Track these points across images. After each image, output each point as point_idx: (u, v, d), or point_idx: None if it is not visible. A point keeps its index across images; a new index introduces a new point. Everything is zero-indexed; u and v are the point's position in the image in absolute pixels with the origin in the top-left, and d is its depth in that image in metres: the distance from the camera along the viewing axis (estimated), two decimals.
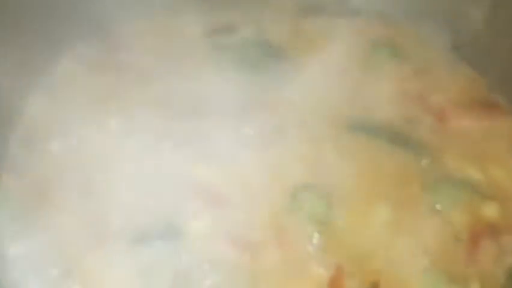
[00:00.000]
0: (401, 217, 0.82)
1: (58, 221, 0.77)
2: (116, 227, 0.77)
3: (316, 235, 0.79)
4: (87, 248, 0.75)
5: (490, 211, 0.84)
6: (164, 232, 0.77)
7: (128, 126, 0.85)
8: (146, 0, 0.97)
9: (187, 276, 0.75)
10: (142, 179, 0.81)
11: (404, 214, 0.82)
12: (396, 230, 0.81)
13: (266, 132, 0.86)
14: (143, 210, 0.78)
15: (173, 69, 0.91)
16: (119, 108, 0.86)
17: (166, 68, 0.92)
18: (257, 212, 0.79)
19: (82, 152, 0.83)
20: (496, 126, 0.93)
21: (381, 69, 0.97)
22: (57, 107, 0.87)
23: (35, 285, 0.73)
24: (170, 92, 0.89)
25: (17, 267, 0.74)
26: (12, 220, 0.78)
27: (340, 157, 0.86)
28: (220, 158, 0.83)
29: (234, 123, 0.86)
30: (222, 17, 1.00)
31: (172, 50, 0.95)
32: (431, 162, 0.87)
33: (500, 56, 0.97)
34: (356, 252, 0.78)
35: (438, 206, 0.84)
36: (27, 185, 0.81)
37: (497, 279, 0.79)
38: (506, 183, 0.87)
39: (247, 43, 0.97)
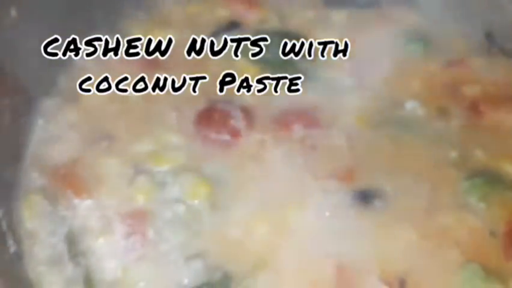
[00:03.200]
0: (433, 212, 0.80)
1: None
2: None
3: None
4: None
5: None
6: None
7: None
8: None
9: None
10: None
11: (435, 209, 0.80)
12: (426, 225, 0.79)
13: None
14: None
15: None
16: None
17: None
18: None
19: None
20: None
21: (412, 60, 0.94)
22: None
23: None
24: None
25: None
26: None
27: (370, 152, 0.84)
28: None
29: None
30: None
31: None
32: (461, 156, 0.85)
33: None
34: (376, 248, 0.76)
35: (471, 201, 0.81)
36: None
37: None
38: None
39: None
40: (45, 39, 0.82)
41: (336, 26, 0.97)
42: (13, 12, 0.77)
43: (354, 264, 0.75)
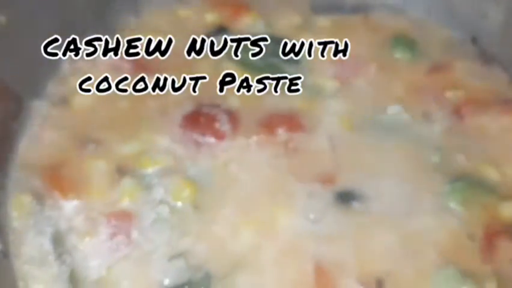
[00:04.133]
0: (413, 215, 0.81)
1: None
2: None
3: None
4: None
5: (508, 211, 0.83)
6: None
7: None
8: None
9: None
10: None
11: (415, 212, 0.82)
12: (406, 227, 0.80)
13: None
14: None
15: None
16: None
17: None
18: None
19: None
20: None
21: (396, 65, 0.96)
22: None
23: None
24: None
25: None
26: None
27: (352, 155, 0.86)
28: None
29: None
30: None
31: None
32: (443, 160, 0.86)
33: None
34: (356, 249, 0.78)
35: (451, 204, 0.83)
36: None
37: None
38: None
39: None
40: (35, 44, 0.85)
41: (322, 31, 0.98)
42: (2, 19, 0.79)
43: (333, 265, 0.77)
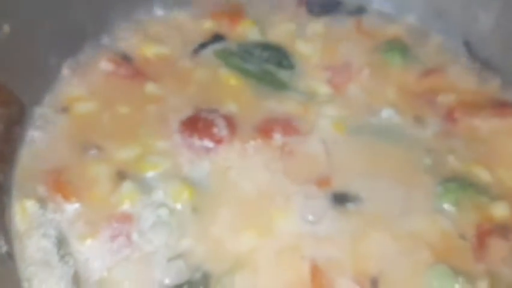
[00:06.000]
0: (406, 215, 0.83)
1: None
2: None
3: None
4: None
5: (500, 211, 0.84)
6: None
7: None
8: None
9: None
10: None
11: (408, 213, 0.83)
12: (399, 227, 0.82)
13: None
14: None
15: None
16: None
17: None
18: None
19: None
20: (506, 125, 0.93)
21: (390, 69, 0.99)
22: None
23: None
24: None
25: None
26: None
27: (347, 158, 0.88)
28: None
29: None
30: None
31: None
32: (435, 162, 0.88)
33: None
34: (351, 249, 0.80)
35: (443, 205, 0.84)
36: None
37: (507, 278, 0.79)
38: None
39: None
40: (37, 51, 0.87)
41: (316, 36, 1.01)
42: (6, 28, 0.82)
43: (329, 265, 0.79)
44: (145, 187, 0.83)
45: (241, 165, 0.86)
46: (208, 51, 0.98)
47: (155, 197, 0.82)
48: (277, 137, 0.89)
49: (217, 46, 0.99)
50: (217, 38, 1.00)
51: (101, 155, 0.85)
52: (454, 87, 0.97)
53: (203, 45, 0.99)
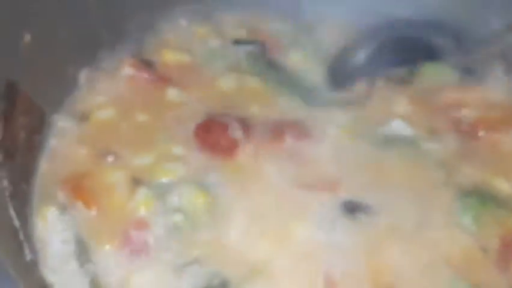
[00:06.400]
0: (422, 228, 0.82)
1: None
2: None
3: None
4: None
5: None
6: None
7: None
8: None
9: None
10: None
11: (425, 225, 0.82)
12: (416, 240, 0.81)
13: None
14: None
15: None
16: None
17: None
18: None
19: None
20: None
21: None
22: None
23: None
24: None
25: None
26: None
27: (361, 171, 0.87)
28: None
29: None
30: None
31: None
32: (450, 175, 0.86)
33: None
34: (366, 261, 0.79)
35: (463, 221, 0.83)
36: None
37: None
38: None
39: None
40: (57, 60, 0.89)
41: None
42: (27, 37, 0.84)
43: (345, 276, 0.78)
44: (161, 193, 0.84)
45: (255, 170, 0.86)
46: (241, 49, 1.00)
47: (171, 203, 0.83)
48: (290, 141, 0.89)
49: (250, 47, 1.00)
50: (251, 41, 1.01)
51: (118, 162, 0.86)
52: (475, 99, 0.95)
53: (237, 42, 1.00)
